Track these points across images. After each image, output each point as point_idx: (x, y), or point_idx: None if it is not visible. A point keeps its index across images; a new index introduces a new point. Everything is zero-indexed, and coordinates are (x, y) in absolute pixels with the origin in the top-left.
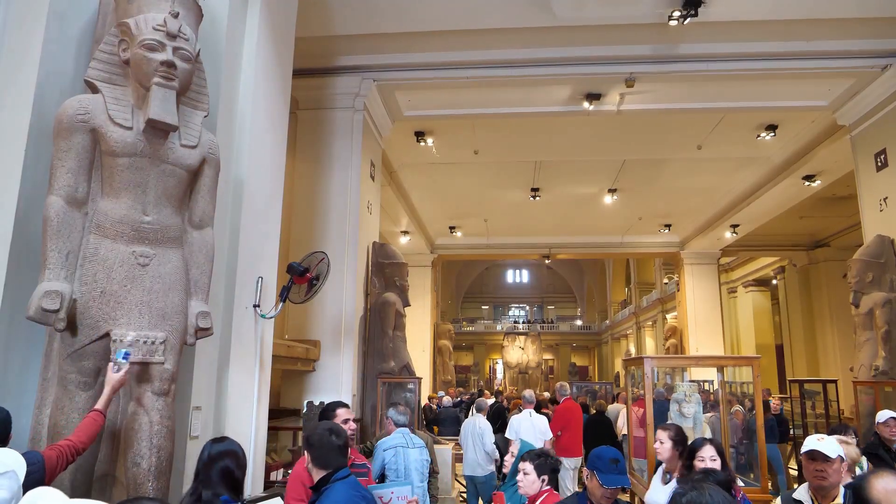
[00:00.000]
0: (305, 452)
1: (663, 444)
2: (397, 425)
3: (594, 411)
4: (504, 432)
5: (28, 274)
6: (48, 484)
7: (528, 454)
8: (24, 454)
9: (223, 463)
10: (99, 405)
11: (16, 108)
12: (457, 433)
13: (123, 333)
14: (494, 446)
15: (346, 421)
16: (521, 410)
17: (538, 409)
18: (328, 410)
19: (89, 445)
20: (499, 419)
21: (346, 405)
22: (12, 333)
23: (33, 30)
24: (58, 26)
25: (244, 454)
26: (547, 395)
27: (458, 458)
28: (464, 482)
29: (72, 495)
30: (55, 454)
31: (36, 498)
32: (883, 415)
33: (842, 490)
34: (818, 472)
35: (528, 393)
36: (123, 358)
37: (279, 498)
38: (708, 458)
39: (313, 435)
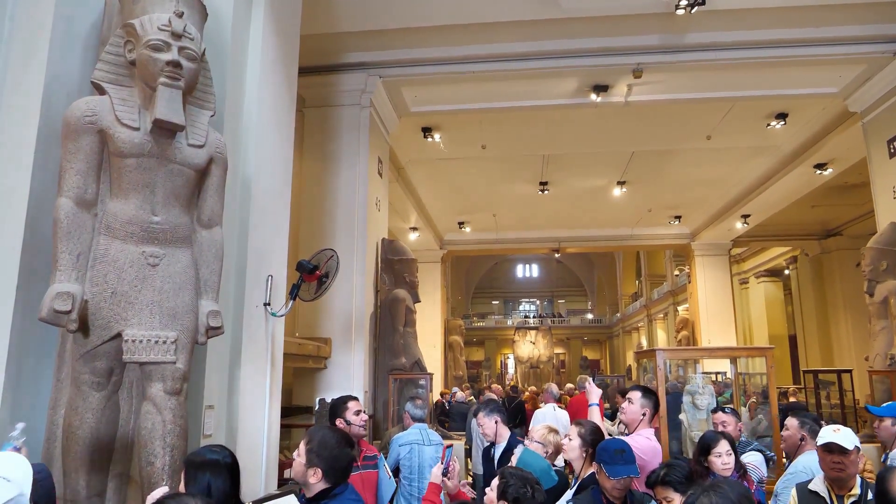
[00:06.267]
0: (307, 449)
1: (571, 442)
2: (414, 419)
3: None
4: (523, 427)
5: (39, 276)
6: None
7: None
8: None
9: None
10: None
11: (24, 111)
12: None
13: (134, 333)
14: None
15: (357, 412)
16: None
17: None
18: (340, 403)
19: None
20: (518, 414)
21: (356, 398)
22: (25, 335)
23: (39, 32)
24: (64, 28)
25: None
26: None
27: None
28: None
29: (87, 494)
30: None
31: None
32: None
33: (858, 480)
34: (836, 464)
35: (553, 387)
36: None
37: (293, 495)
38: (724, 453)
39: (329, 439)
